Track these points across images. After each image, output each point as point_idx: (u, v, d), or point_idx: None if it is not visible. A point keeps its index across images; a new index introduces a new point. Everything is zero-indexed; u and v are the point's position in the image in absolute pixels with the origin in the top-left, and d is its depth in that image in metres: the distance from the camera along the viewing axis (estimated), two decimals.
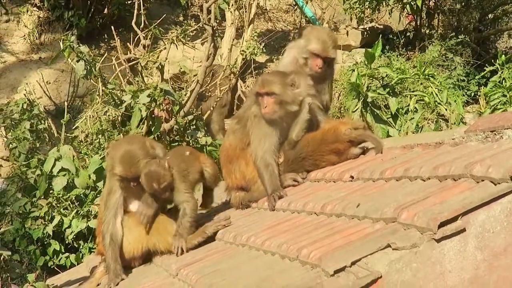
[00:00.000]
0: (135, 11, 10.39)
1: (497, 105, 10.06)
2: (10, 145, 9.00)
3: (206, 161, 5.58)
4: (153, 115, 8.75)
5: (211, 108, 10.08)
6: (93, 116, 9.45)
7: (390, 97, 9.19)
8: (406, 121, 9.19)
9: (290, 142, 5.31)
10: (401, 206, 3.33)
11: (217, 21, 11.16)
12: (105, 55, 9.90)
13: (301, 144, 5.29)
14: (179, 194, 5.11)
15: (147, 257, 5.23)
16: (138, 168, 5.01)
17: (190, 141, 9.32)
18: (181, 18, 17.05)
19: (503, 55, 10.97)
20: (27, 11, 16.69)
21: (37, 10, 16.65)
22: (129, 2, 15.78)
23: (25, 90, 9.59)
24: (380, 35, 12.07)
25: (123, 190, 5.15)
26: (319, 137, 5.24)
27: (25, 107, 9.15)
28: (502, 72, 10.59)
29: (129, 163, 5.00)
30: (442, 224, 3.03)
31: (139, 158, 5.02)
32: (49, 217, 8.46)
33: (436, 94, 10.17)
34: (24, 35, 16.57)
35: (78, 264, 8.13)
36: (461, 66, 13.92)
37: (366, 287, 2.93)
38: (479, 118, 4.49)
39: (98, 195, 8.39)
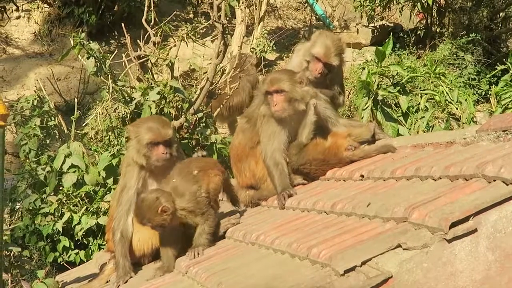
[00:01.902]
0: (145, 8, 10.38)
1: (508, 104, 9.99)
2: (20, 141, 9.01)
3: (214, 177, 5.08)
4: (162, 113, 8.75)
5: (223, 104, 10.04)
6: (103, 113, 9.45)
7: (401, 95, 9.15)
8: (416, 120, 9.15)
9: (300, 145, 5.28)
10: (412, 205, 3.32)
11: (227, 18, 11.13)
12: (115, 52, 9.88)
13: (302, 159, 5.26)
14: (195, 218, 4.85)
15: (157, 254, 5.23)
16: (168, 130, 5.07)
17: (200, 138, 9.31)
18: (191, 16, 17.05)
19: None
20: (38, 8, 16.73)
21: (48, 6, 16.69)
22: None
23: (35, 86, 9.60)
24: (391, 33, 12.01)
25: (144, 185, 5.16)
26: (320, 157, 5.20)
27: (35, 103, 9.16)
28: None
29: (157, 127, 5.05)
30: (453, 225, 3.01)
31: (167, 123, 5.08)
32: (59, 214, 8.47)
33: (447, 93, 10.11)
34: (35, 32, 16.61)
35: (87, 260, 8.15)
36: (472, 64, 13.86)
37: (376, 287, 2.92)
38: (491, 118, 4.46)
39: (107, 192, 8.39)
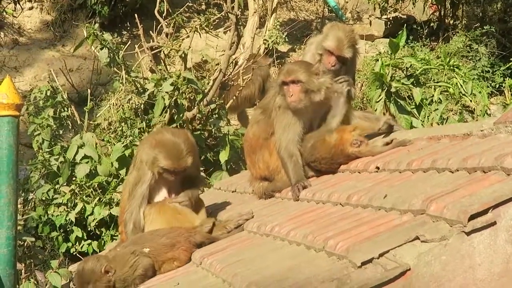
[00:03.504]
0: None
1: None
2: (34, 132, 9.03)
3: (168, 264, 4.94)
4: (176, 104, 8.75)
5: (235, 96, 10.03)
6: (116, 104, 9.46)
7: (414, 87, 9.11)
8: (430, 112, 9.11)
9: (329, 131, 5.21)
10: (430, 198, 3.29)
11: (240, 9, 11.10)
12: (128, 43, 9.89)
13: (312, 158, 5.22)
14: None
15: None
16: (186, 161, 5.05)
17: (212, 130, 9.31)
18: (203, 7, 17.01)
19: None
20: None
21: None
22: None
23: (49, 77, 9.61)
24: (404, 25, 11.94)
25: (155, 182, 5.17)
26: (328, 156, 5.15)
27: (48, 94, 9.18)
28: None
29: (177, 156, 5.03)
30: (472, 217, 2.99)
31: (187, 151, 5.06)
32: (72, 204, 8.49)
33: (461, 85, 10.07)
34: (47, 23, 16.63)
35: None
36: (485, 57, 13.75)
37: (394, 280, 2.90)
38: (509, 110, 4.42)
39: (120, 183, 8.40)
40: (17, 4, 15.80)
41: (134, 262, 4.75)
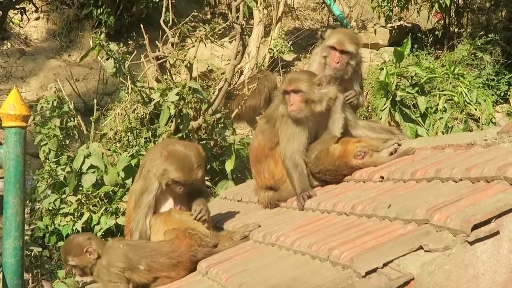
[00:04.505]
0: (163, 9, 10.43)
1: None
2: (40, 142, 9.08)
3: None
4: (181, 113, 8.79)
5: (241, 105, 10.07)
6: (121, 114, 9.51)
7: (419, 96, 9.12)
8: (435, 121, 9.12)
9: (333, 138, 5.23)
10: (433, 207, 3.31)
11: (245, 19, 11.16)
12: (134, 53, 9.94)
13: (317, 169, 5.24)
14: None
15: None
16: (197, 174, 5.09)
17: (218, 139, 9.34)
18: (208, 16, 17.09)
19: None
20: (57, 9, 16.84)
21: (66, 8, 16.80)
22: (157, 0, 15.86)
23: (55, 87, 9.67)
24: (409, 34, 11.97)
25: (161, 192, 5.19)
26: (333, 169, 5.17)
27: (55, 104, 9.23)
28: None
29: (189, 169, 5.06)
30: (475, 227, 3.01)
31: (198, 164, 5.09)
32: (78, 214, 8.54)
33: (466, 94, 10.08)
34: (54, 33, 16.73)
35: None
36: (490, 65, 13.77)
37: None
38: None
39: (126, 193, 8.44)
40: (24, 15, 15.89)
41: (113, 280, 4.84)
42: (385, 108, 8.83)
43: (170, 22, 10.33)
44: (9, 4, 14.38)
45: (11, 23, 16.54)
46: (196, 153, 5.14)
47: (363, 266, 3.05)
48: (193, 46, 10.56)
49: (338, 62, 5.78)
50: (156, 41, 10.15)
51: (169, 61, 9.75)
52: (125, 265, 4.85)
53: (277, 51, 13.76)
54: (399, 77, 9.32)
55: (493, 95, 12.89)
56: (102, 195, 8.62)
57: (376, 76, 10.81)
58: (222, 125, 9.30)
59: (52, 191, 8.83)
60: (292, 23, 17.25)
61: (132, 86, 9.20)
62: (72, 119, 9.33)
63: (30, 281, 6.60)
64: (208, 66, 10.84)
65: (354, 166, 5.05)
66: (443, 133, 8.83)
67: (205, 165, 5.47)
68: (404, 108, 8.87)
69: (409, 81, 9.34)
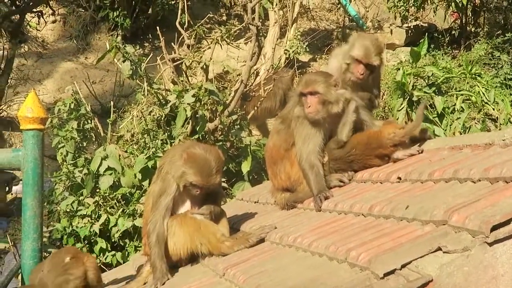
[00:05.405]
0: (179, 11, 10.45)
1: None
2: (58, 144, 9.14)
3: (90, 264, 5.28)
4: (197, 115, 8.80)
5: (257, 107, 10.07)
6: (138, 116, 9.54)
7: (436, 96, 9.09)
8: (452, 121, 9.08)
9: (339, 142, 5.28)
10: (452, 208, 3.29)
11: (261, 20, 11.16)
12: (150, 55, 9.98)
13: (348, 146, 5.26)
14: None
15: (193, 257, 5.25)
16: (215, 179, 5.08)
17: (234, 140, 9.35)
18: (224, 18, 17.11)
19: None
20: (73, 12, 16.94)
21: (83, 11, 16.89)
22: (172, 2, 15.91)
23: (72, 89, 9.72)
24: (425, 34, 11.92)
25: (179, 194, 5.19)
26: (364, 141, 5.21)
27: (72, 106, 9.28)
28: None
29: (208, 174, 5.05)
30: (494, 228, 2.98)
31: (217, 169, 5.09)
32: (96, 216, 8.57)
33: (483, 93, 10.02)
34: (70, 36, 16.83)
35: (124, 262, 8.23)
36: (508, 64, 13.67)
37: None
38: None
39: (143, 194, 8.47)
40: (41, 18, 16.01)
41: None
42: (402, 108, 8.80)
43: (186, 24, 10.35)
44: (26, 8, 14.49)
45: (28, 27, 16.66)
46: (216, 158, 5.12)
47: (381, 268, 3.03)
48: (209, 47, 10.57)
49: (362, 74, 5.78)
50: (172, 43, 10.18)
51: (185, 63, 9.77)
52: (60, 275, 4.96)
53: (292, 52, 13.73)
54: (416, 77, 9.29)
55: (511, 94, 12.78)
56: (119, 197, 8.65)
57: (392, 77, 10.77)
58: (238, 126, 9.31)
59: (69, 193, 8.87)
60: (308, 24, 17.24)
61: (149, 88, 9.23)
62: (89, 121, 9.38)
63: None
64: (224, 68, 10.87)
65: (385, 140, 5.06)
66: (461, 133, 8.79)
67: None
68: None
69: (426, 81, 9.31)
